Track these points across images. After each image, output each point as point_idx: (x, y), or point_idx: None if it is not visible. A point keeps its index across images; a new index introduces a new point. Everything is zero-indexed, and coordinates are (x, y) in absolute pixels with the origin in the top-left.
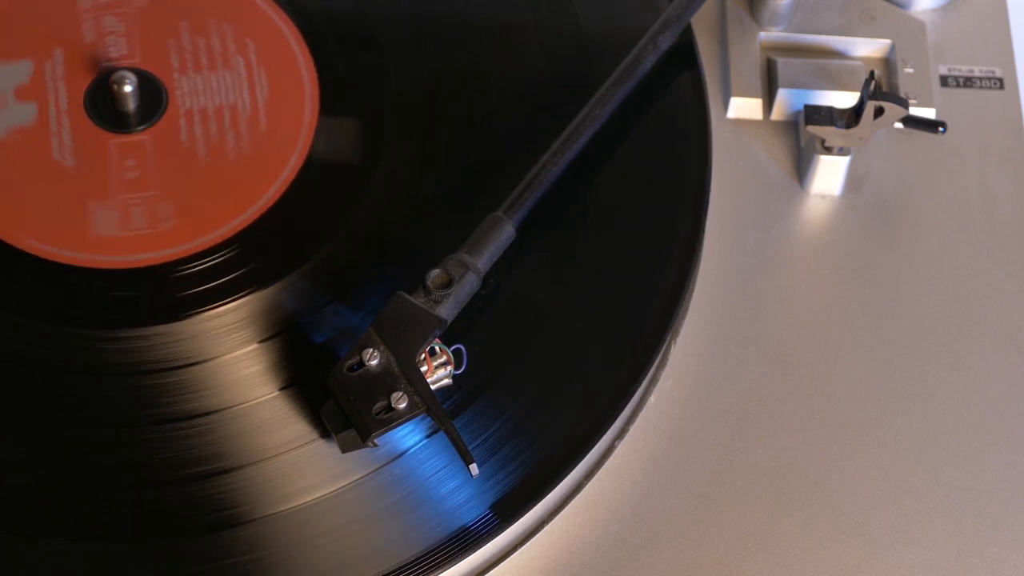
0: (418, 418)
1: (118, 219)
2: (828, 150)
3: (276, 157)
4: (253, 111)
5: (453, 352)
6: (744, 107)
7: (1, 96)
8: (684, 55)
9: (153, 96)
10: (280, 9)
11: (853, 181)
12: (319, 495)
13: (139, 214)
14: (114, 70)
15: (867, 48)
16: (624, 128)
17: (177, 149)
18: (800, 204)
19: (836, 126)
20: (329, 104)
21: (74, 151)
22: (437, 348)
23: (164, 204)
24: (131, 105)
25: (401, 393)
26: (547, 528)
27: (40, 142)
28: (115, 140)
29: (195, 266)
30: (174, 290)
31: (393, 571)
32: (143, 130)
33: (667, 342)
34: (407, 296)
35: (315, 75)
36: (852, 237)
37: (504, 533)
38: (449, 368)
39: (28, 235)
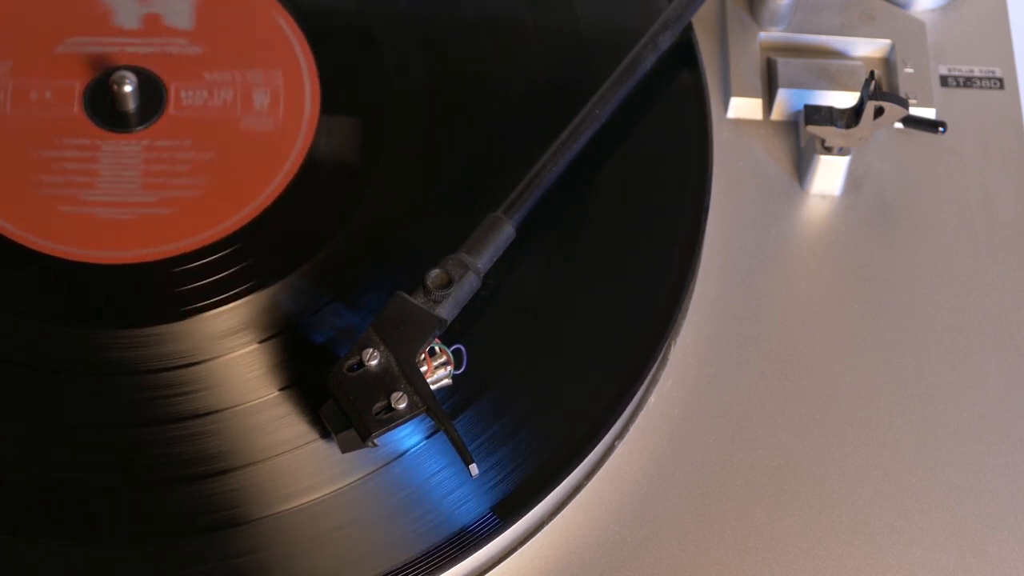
0: (418, 418)
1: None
2: (828, 150)
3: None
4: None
5: (453, 352)
6: (744, 107)
7: None
8: (684, 55)
9: (153, 96)
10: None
11: (853, 181)
12: (319, 495)
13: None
14: (114, 70)
15: (867, 48)
16: (624, 128)
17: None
18: (800, 204)
19: (836, 126)
20: (329, 103)
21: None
22: (437, 348)
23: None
24: (131, 105)
25: (401, 393)
26: (547, 528)
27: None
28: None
29: (195, 266)
30: (174, 290)
31: (393, 571)
32: (143, 130)
33: (667, 342)
34: (407, 296)
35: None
36: (852, 237)
37: (504, 534)
38: (449, 368)
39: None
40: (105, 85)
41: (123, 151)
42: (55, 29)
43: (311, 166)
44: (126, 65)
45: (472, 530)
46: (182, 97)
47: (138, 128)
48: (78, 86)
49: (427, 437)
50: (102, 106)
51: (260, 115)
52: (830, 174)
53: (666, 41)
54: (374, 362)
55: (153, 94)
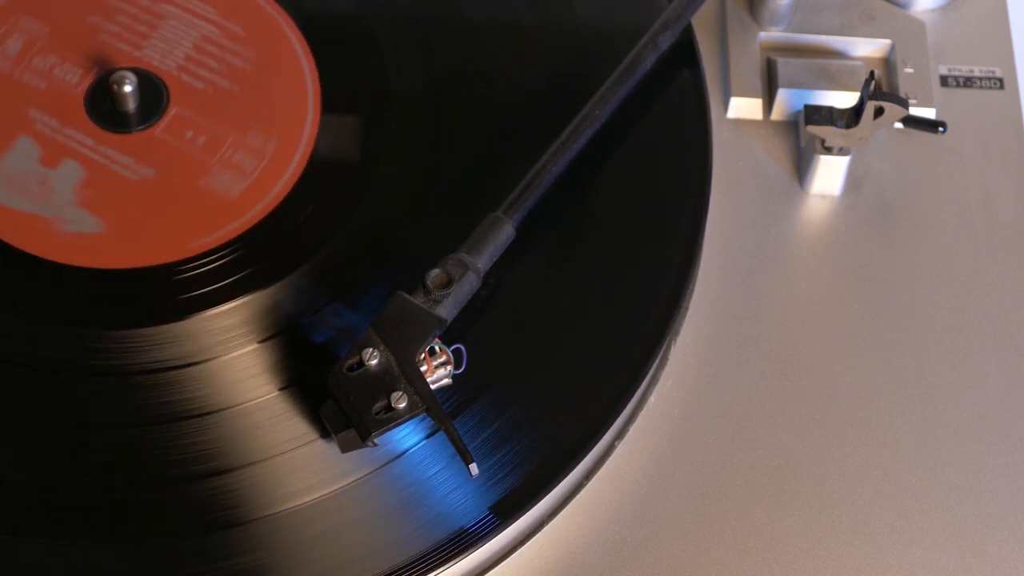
0: (418, 418)
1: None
2: (828, 150)
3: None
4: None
5: (453, 352)
6: (744, 107)
7: None
8: (684, 55)
9: (153, 96)
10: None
11: (853, 181)
12: (319, 495)
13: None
14: (115, 69)
15: (867, 48)
16: (624, 128)
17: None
18: (800, 204)
19: (836, 126)
20: (330, 104)
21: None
22: (437, 348)
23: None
24: (131, 105)
25: (401, 393)
26: (547, 528)
27: None
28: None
29: (195, 266)
30: (174, 290)
31: (393, 571)
32: (142, 130)
33: (667, 342)
34: (407, 296)
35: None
36: (852, 237)
37: (504, 533)
38: (449, 368)
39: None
40: (105, 85)
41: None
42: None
43: (311, 166)
44: (126, 66)
45: (472, 530)
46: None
47: (137, 128)
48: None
49: (427, 437)
50: (102, 106)
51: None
52: (830, 174)
53: (666, 41)
54: (374, 362)
55: (153, 94)
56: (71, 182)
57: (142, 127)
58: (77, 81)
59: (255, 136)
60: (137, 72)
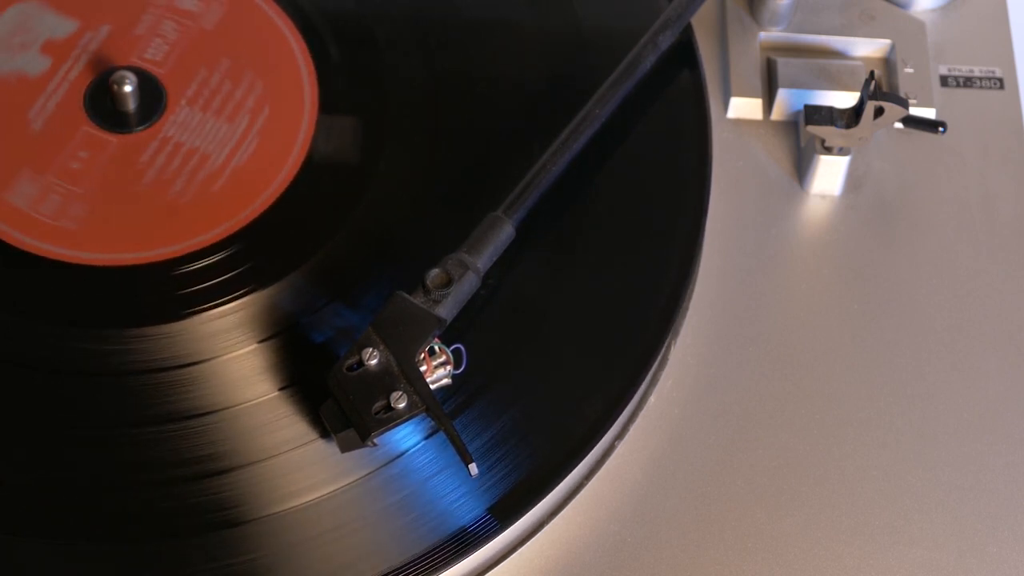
0: (417, 418)
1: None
2: (828, 150)
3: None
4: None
5: (453, 352)
6: (744, 107)
7: (31, 41)
8: (684, 55)
9: (153, 96)
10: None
11: (853, 181)
12: (319, 495)
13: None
14: (115, 69)
15: (867, 48)
16: (624, 128)
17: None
18: (800, 204)
19: (836, 126)
20: (329, 103)
21: (47, 119)
22: (436, 348)
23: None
24: (131, 105)
25: (400, 393)
26: (547, 529)
27: (27, 96)
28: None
29: (195, 265)
30: (174, 290)
31: (393, 571)
32: (142, 130)
33: (667, 342)
34: (406, 296)
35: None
36: (852, 237)
37: (504, 533)
38: (448, 368)
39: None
40: (105, 84)
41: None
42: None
43: (311, 166)
44: (127, 66)
45: (472, 530)
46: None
47: (138, 128)
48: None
49: (427, 437)
50: (102, 106)
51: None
52: (830, 174)
53: (666, 41)
54: (374, 362)
55: (153, 95)
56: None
57: (142, 127)
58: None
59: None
60: (137, 72)
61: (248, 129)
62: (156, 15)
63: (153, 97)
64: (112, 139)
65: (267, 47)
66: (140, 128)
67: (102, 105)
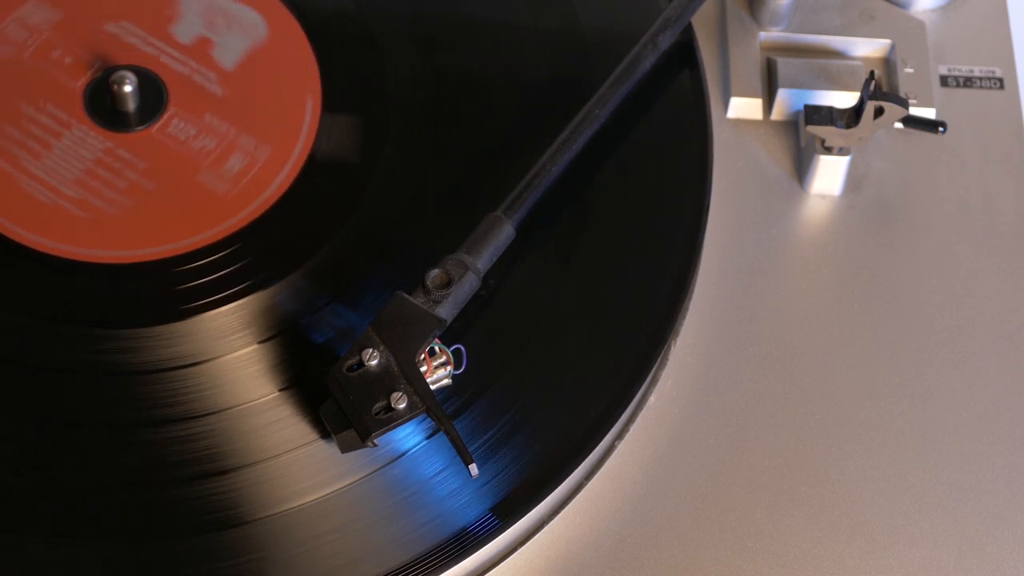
0: (418, 419)
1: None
2: (828, 150)
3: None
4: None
5: (453, 352)
6: (744, 107)
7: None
8: (684, 55)
9: (153, 95)
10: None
11: (853, 181)
12: (319, 495)
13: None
14: (115, 69)
15: (867, 48)
16: (624, 128)
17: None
18: (800, 204)
19: (836, 126)
20: (330, 103)
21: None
22: (437, 348)
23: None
24: (131, 105)
25: (401, 393)
26: (547, 528)
27: None
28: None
29: (195, 266)
30: (174, 290)
31: (393, 572)
32: (142, 130)
33: (667, 342)
34: (406, 296)
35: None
36: (852, 237)
37: (504, 533)
38: (449, 368)
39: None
40: (105, 84)
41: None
42: (118, 7)
43: (311, 166)
44: (127, 65)
45: (472, 530)
46: (183, 97)
47: (137, 128)
48: (98, 65)
49: (427, 437)
50: (102, 106)
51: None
52: (830, 174)
53: (666, 41)
54: (374, 362)
55: (154, 94)
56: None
57: (142, 127)
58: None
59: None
60: (137, 71)
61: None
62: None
63: (153, 96)
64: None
65: (279, 121)
66: (140, 128)
67: (102, 105)
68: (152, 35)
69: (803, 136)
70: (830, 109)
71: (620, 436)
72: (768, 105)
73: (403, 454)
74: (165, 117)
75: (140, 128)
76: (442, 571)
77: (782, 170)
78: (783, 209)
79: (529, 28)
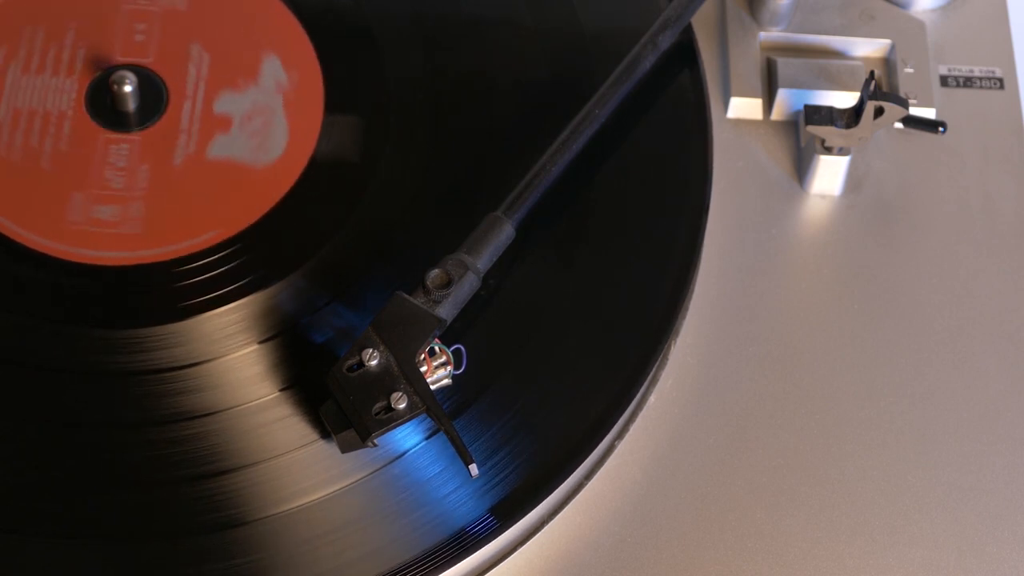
0: (418, 418)
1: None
2: (828, 150)
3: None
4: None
5: (453, 352)
6: (744, 107)
7: None
8: (684, 55)
9: (154, 96)
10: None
11: (853, 181)
12: (319, 496)
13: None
14: (115, 69)
15: (867, 48)
16: (624, 128)
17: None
18: (800, 204)
19: (836, 126)
20: (331, 104)
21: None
22: (437, 348)
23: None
24: (131, 105)
25: (401, 393)
26: (547, 528)
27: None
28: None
29: (195, 266)
30: (174, 290)
31: (393, 572)
32: (142, 130)
33: (667, 342)
34: (406, 296)
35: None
36: (852, 237)
37: (504, 533)
38: (449, 368)
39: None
40: (105, 84)
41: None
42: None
43: (311, 166)
44: (126, 65)
45: (472, 530)
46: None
47: (138, 128)
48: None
49: (427, 437)
50: (102, 106)
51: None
52: (830, 174)
53: (666, 41)
54: (374, 362)
55: (154, 94)
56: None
57: (142, 127)
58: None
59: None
60: (137, 71)
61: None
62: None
63: (153, 96)
64: (138, 137)
65: (271, 47)
66: (140, 128)
67: (101, 105)
68: None
69: (803, 136)
70: (830, 109)
71: (620, 436)
72: (768, 105)
73: (403, 454)
74: (166, 115)
75: (140, 128)
76: (442, 571)
77: (782, 170)
78: (783, 209)
79: (529, 28)
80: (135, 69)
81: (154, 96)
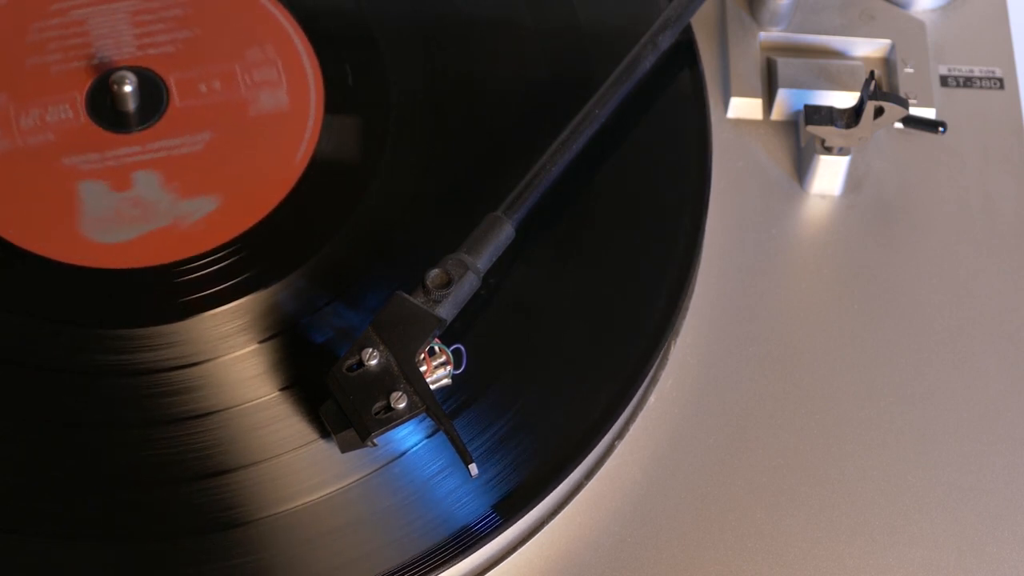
0: (417, 418)
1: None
2: (828, 150)
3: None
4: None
5: (452, 352)
6: (744, 107)
7: None
8: (684, 55)
9: (154, 96)
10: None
11: (853, 181)
12: (319, 495)
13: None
14: (115, 69)
15: (867, 48)
16: (624, 128)
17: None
18: (800, 204)
19: (836, 126)
20: (331, 104)
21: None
22: (436, 348)
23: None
24: (131, 105)
25: (400, 393)
26: (547, 528)
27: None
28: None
29: (195, 266)
30: (174, 290)
31: (393, 571)
32: (142, 130)
33: (667, 342)
34: (406, 296)
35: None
36: (852, 237)
37: (504, 533)
38: (448, 368)
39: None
40: (105, 85)
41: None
42: None
43: (311, 167)
44: (126, 65)
45: (472, 530)
46: (183, 98)
47: (138, 128)
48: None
49: (427, 437)
50: (102, 106)
51: (261, 116)
52: (830, 174)
53: (666, 41)
54: (373, 362)
55: (154, 94)
56: (156, 185)
57: (142, 127)
58: (74, 115)
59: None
60: (137, 72)
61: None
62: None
63: (153, 96)
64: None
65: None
66: (140, 128)
67: (101, 105)
68: None
69: (803, 136)
70: (830, 109)
71: (620, 436)
72: (768, 105)
73: (403, 454)
74: (166, 115)
75: (140, 128)
76: (442, 571)
77: (782, 170)
78: (783, 209)
79: (529, 28)
80: (135, 69)
81: (154, 96)
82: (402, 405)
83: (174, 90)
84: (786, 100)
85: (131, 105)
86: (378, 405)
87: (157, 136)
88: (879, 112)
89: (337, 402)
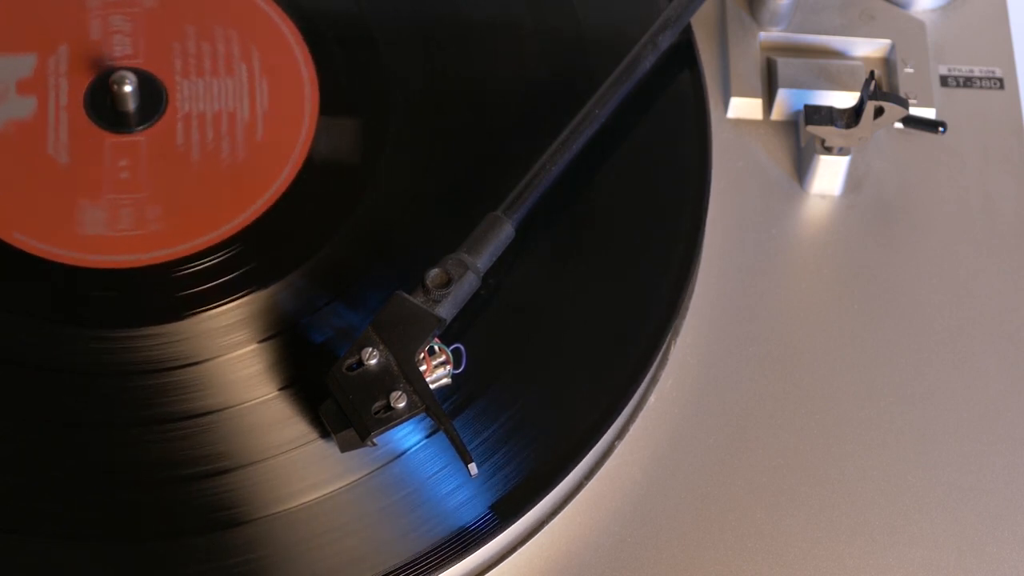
0: (417, 418)
1: (107, 218)
2: (828, 150)
3: (276, 157)
4: (253, 111)
5: (452, 352)
6: (744, 107)
7: (2, 88)
8: (684, 55)
9: (153, 96)
10: (280, 9)
11: (853, 181)
12: (319, 495)
13: (129, 214)
14: (115, 69)
15: (867, 48)
16: (624, 128)
17: (176, 149)
18: (800, 204)
19: (836, 126)
20: (329, 104)
21: (69, 148)
22: (436, 348)
23: (157, 204)
24: (131, 105)
25: (400, 392)
26: (547, 528)
27: (36, 137)
28: (111, 139)
29: (195, 266)
30: (174, 290)
31: (393, 571)
32: (142, 130)
33: (667, 342)
34: (406, 296)
35: (315, 75)
36: (852, 237)
37: (504, 533)
38: (448, 368)
39: (20, 231)
40: (105, 85)
41: (118, 151)
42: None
43: (311, 167)
44: (126, 66)
45: (472, 530)
46: (183, 99)
47: (137, 129)
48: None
49: (427, 436)
50: (102, 106)
51: (260, 117)
52: (830, 174)
53: (666, 41)
54: (373, 361)
55: (153, 95)
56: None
57: (142, 127)
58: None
59: (260, 78)
60: (137, 72)
61: (251, 75)
62: (101, 15)
63: (153, 96)
64: (139, 138)
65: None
66: (140, 128)
67: (101, 105)
68: None
69: (803, 136)
70: (830, 109)
71: (620, 436)
72: (768, 105)
73: (403, 453)
74: (166, 116)
75: (140, 128)
76: (442, 571)
77: (782, 170)
78: (783, 209)
79: (529, 28)
80: (135, 70)
81: (154, 96)
82: (402, 405)
83: (174, 90)
84: (786, 100)
85: (131, 105)
86: (378, 405)
87: (157, 136)
88: (879, 112)
89: (337, 402)
